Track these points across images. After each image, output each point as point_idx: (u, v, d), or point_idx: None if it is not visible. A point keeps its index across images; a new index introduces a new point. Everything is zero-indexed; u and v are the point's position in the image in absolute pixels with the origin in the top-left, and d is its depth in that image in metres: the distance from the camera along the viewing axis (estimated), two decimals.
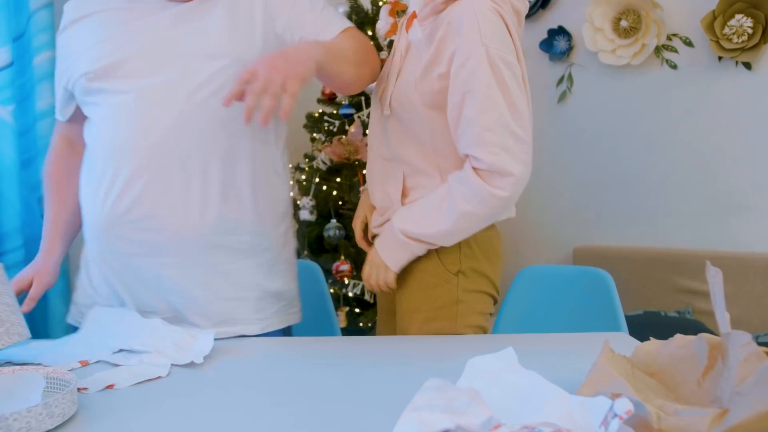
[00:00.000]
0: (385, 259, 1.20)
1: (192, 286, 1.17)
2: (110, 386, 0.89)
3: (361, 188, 1.43)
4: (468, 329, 1.22)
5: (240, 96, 0.99)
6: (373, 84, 2.47)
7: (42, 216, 1.35)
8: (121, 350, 1.05)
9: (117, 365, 0.98)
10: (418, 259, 1.22)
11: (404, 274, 1.25)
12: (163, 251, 1.14)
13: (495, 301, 1.29)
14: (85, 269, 1.25)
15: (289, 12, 1.20)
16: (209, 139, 1.14)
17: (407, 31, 1.20)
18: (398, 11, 1.28)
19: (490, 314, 1.29)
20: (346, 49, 1.19)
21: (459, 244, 1.21)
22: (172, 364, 0.99)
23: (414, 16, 1.19)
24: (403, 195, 1.23)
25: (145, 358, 1.00)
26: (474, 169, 1.11)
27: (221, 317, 1.18)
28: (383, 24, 1.33)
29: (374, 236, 1.34)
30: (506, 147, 1.08)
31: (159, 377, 0.94)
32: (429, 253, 1.21)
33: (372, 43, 1.28)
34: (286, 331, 1.30)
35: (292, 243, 1.33)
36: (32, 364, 0.90)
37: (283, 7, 1.20)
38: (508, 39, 1.11)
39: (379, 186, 1.29)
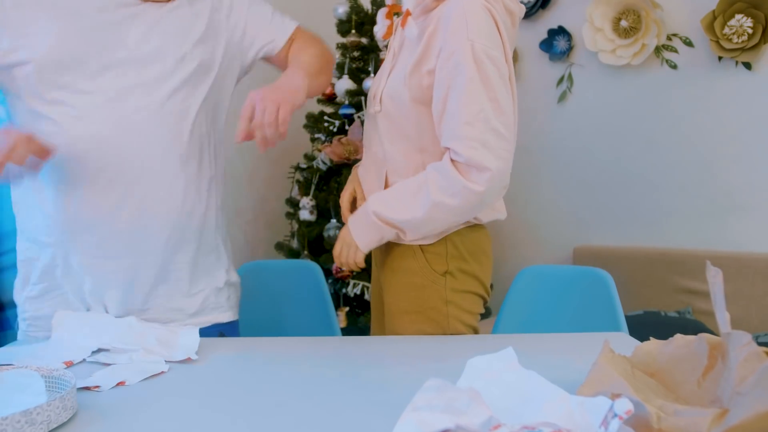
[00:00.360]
0: (356, 238, 1.20)
1: (161, 283, 1.18)
2: (121, 383, 0.89)
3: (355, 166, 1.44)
4: (458, 329, 1.22)
5: (248, 134, 1.08)
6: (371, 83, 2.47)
7: None
8: (100, 350, 1.05)
9: (109, 364, 0.98)
10: (404, 260, 1.22)
11: (392, 275, 1.25)
12: (135, 251, 1.15)
13: (485, 302, 1.29)
14: (46, 279, 1.19)
15: (245, 20, 1.28)
16: (179, 140, 1.16)
17: (403, 28, 1.21)
18: (395, 13, 1.30)
19: (481, 314, 1.29)
20: (315, 63, 1.29)
21: (445, 245, 1.21)
22: (169, 362, 0.99)
23: (408, 13, 1.20)
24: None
25: (135, 356, 1.00)
26: (452, 161, 1.11)
27: (193, 310, 1.22)
28: (380, 26, 1.34)
29: None
30: (485, 142, 1.08)
31: (162, 372, 0.95)
32: (416, 254, 1.21)
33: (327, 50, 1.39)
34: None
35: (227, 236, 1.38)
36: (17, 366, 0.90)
37: (240, 16, 1.28)
38: (497, 36, 1.12)
39: (367, 183, 1.30)
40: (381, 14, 1.35)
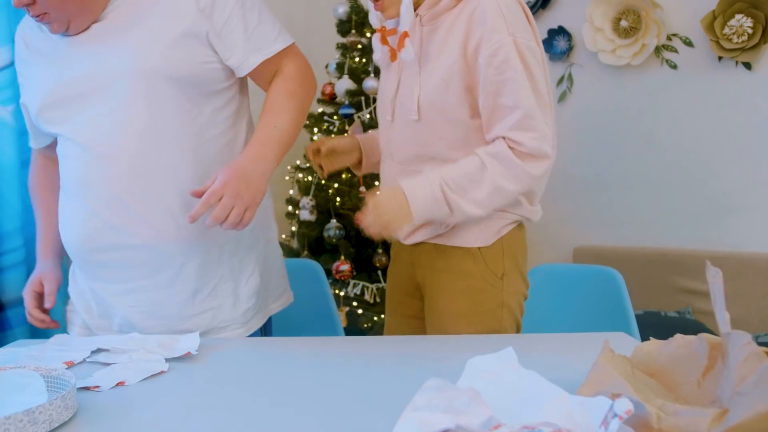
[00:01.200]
0: (414, 207, 1.10)
1: (170, 302, 1.17)
2: (121, 383, 0.90)
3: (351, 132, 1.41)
4: (509, 331, 1.23)
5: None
6: (374, 83, 2.46)
7: None
8: (100, 350, 1.05)
9: (109, 364, 0.99)
10: (463, 263, 1.21)
11: (446, 278, 1.22)
12: (142, 273, 1.15)
13: (526, 298, 1.30)
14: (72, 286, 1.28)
15: (222, 26, 1.16)
16: (167, 156, 1.13)
17: (399, 51, 1.18)
18: (389, 37, 1.26)
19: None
20: (296, 124, 1.20)
21: (501, 246, 1.21)
22: (169, 362, 0.99)
23: (405, 35, 1.17)
24: None
25: (135, 356, 1.00)
26: (511, 149, 1.12)
27: (204, 328, 1.19)
28: (380, 55, 1.30)
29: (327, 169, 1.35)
30: (544, 132, 1.13)
31: (162, 372, 0.95)
32: (475, 257, 1.20)
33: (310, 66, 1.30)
34: (267, 322, 1.33)
35: (268, 233, 1.33)
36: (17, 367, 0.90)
37: (219, 19, 1.15)
38: (528, 27, 1.14)
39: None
40: (376, 41, 1.31)
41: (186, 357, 1.02)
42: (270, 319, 1.34)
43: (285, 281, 1.38)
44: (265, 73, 1.22)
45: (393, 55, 1.25)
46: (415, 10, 1.19)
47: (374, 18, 1.29)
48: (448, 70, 1.14)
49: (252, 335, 1.26)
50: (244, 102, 1.28)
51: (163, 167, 1.13)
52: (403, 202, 1.10)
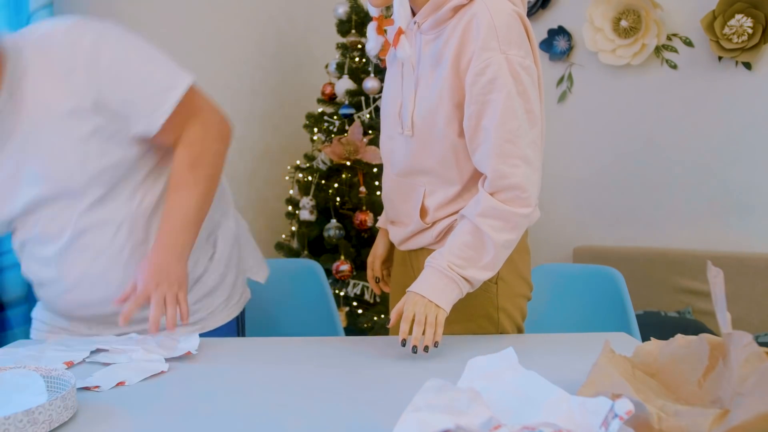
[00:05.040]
0: (434, 297, 1.07)
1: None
2: (121, 383, 0.90)
3: (377, 225, 1.43)
4: (507, 333, 1.21)
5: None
6: (374, 83, 2.45)
7: None
8: (100, 350, 1.05)
9: (109, 364, 0.99)
10: None
11: None
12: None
13: (528, 299, 1.27)
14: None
15: (120, 106, 1.07)
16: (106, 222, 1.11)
17: (395, 48, 1.14)
18: (386, 28, 1.23)
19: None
20: (195, 190, 1.13)
21: None
22: (169, 362, 0.99)
23: (401, 32, 1.14)
24: (422, 213, 1.20)
25: (135, 356, 1.00)
26: (492, 194, 1.08)
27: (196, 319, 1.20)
28: (374, 44, 1.27)
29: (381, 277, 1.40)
30: (525, 157, 1.07)
31: (162, 372, 0.95)
32: None
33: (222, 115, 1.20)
34: (240, 316, 1.33)
35: (230, 231, 1.31)
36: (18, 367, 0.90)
37: (115, 102, 1.06)
38: (526, 42, 1.09)
39: (393, 205, 1.26)
40: (371, 30, 1.28)
41: (186, 357, 1.02)
42: (243, 311, 1.35)
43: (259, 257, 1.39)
44: (174, 125, 1.11)
45: (385, 48, 1.24)
46: (414, 14, 1.17)
47: (373, 7, 1.27)
48: (440, 84, 1.11)
49: (228, 324, 1.27)
50: (167, 154, 1.18)
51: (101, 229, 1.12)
52: (426, 301, 1.07)
